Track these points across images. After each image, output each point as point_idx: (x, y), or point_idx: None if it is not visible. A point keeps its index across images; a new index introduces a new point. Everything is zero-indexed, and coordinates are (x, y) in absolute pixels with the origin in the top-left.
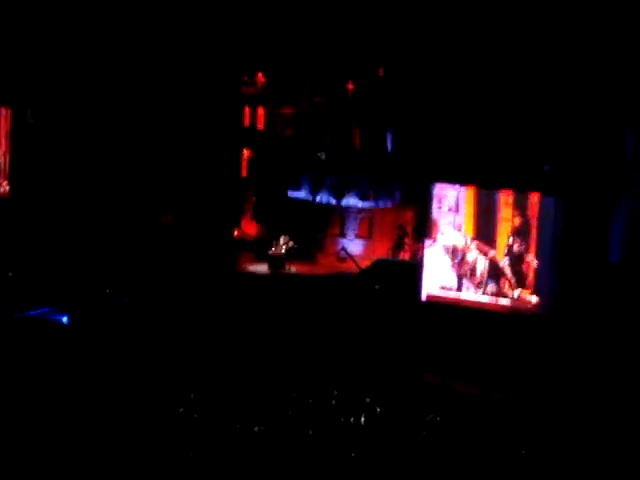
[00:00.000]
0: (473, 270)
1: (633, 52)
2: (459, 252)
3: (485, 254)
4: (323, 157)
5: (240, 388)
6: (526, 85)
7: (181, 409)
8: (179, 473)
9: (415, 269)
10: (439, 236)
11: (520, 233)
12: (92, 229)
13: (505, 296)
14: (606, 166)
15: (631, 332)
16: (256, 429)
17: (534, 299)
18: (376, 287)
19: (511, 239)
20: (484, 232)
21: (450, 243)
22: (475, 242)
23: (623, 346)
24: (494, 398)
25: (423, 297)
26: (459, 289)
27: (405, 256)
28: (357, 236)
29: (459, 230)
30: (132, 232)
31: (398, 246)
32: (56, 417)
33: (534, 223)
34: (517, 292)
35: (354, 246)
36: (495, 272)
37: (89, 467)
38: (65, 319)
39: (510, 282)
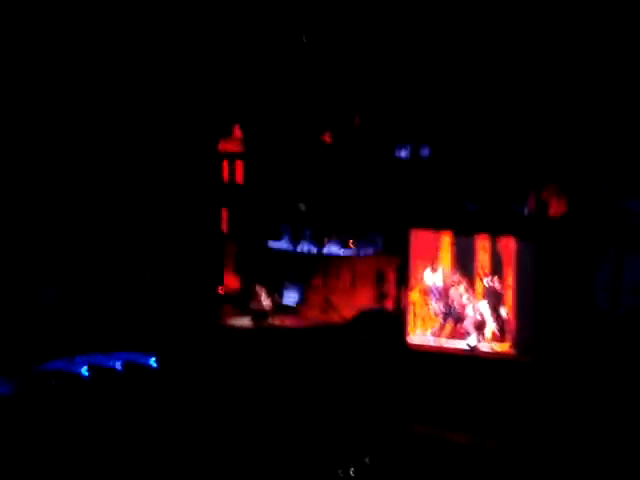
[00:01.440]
0: (455, 317)
1: (611, 97)
2: (440, 299)
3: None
4: (303, 208)
5: (226, 444)
6: (501, 131)
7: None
8: None
9: (399, 317)
10: (419, 283)
11: (498, 279)
12: (73, 288)
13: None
14: (585, 211)
15: (620, 379)
16: None
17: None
18: (362, 338)
19: (489, 285)
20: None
21: (430, 290)
22: (454, 289)
23: (611, 392)
24: (485, 446)
25: (408, 346)
26: (442, 336)
27: (389, 305)
28: (339, 286)
29: (438, 277)
30: (112, 291)
31: (380, 294)
32: None
33: (512, 269)
34: (495, 345)
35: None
36: (477, 319)
37: None
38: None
39: (491, 329)
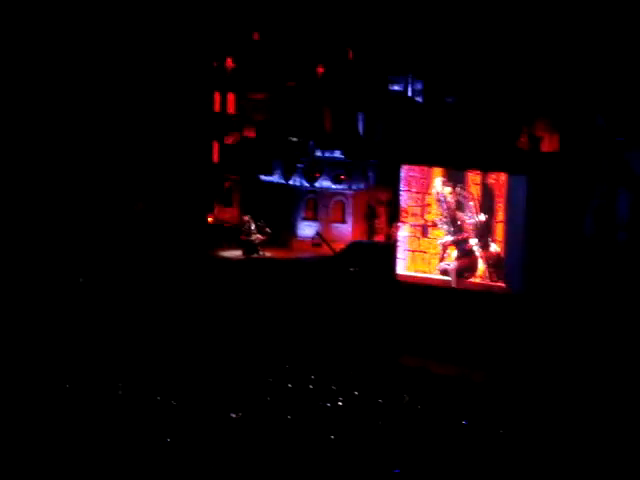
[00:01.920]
0: (444, 249)
1: (602, 41)
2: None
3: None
4: (295, 140)
5: (216, 374)
6: (495, 65)
7: (158, 397)
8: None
9: (388, 250)
10: (410, 218)
11: (488, 212)
12: (64, 219)
13: (475, 276)
14: (574, 146)
15: (606, 308)
16: (234, 416)
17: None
18: (351, 269)
19: (480, 218)
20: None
21: (420, 224)
22: (443, 220)
23: (596, 320)
24: (471, 378)
25: (397, 278)
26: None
27: (379, 238)
28: (330, 220)
29: (429, 211)
30: (105, 220)
31: (371, 229)
32: None
33: (502, 202)
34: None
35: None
36: (465, 251)
37: None
38: None
39: (480, 261)
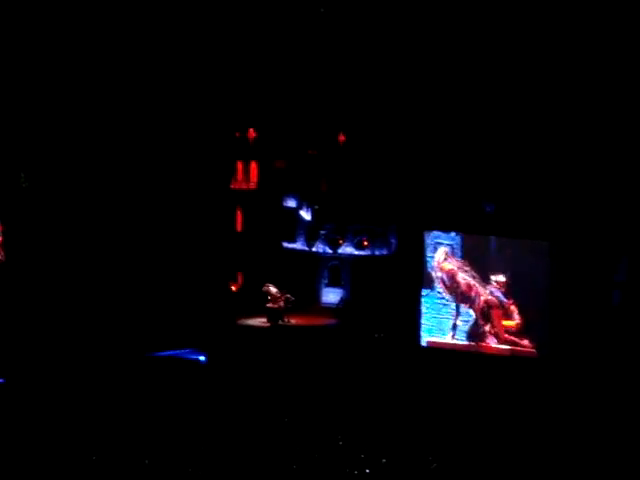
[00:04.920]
0: (467, 314)
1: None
2: (454, 298)
3: (478, 298)
4: (316, 208)
5: (243, 443)
6: (512, 132)
7: (190, 469)
8: None
9: (412, 316)
10: (434, 284)
11: (512, 277)
12: (90, 290)
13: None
14: (597, 209)
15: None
16: None
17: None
18: (376, 335)
19: (503, 282)
20: (477, 278)
21: (445, 290)
22: (468, 287)
23: (621, 383)
24: (500, 443)
25: (421, 343)
26: (455, 334)
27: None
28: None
29: (453, 277)
30: (131, 289)
31: (394, 294)
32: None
33: (526, 267)
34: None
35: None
36: (488, 316)
37: None
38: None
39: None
